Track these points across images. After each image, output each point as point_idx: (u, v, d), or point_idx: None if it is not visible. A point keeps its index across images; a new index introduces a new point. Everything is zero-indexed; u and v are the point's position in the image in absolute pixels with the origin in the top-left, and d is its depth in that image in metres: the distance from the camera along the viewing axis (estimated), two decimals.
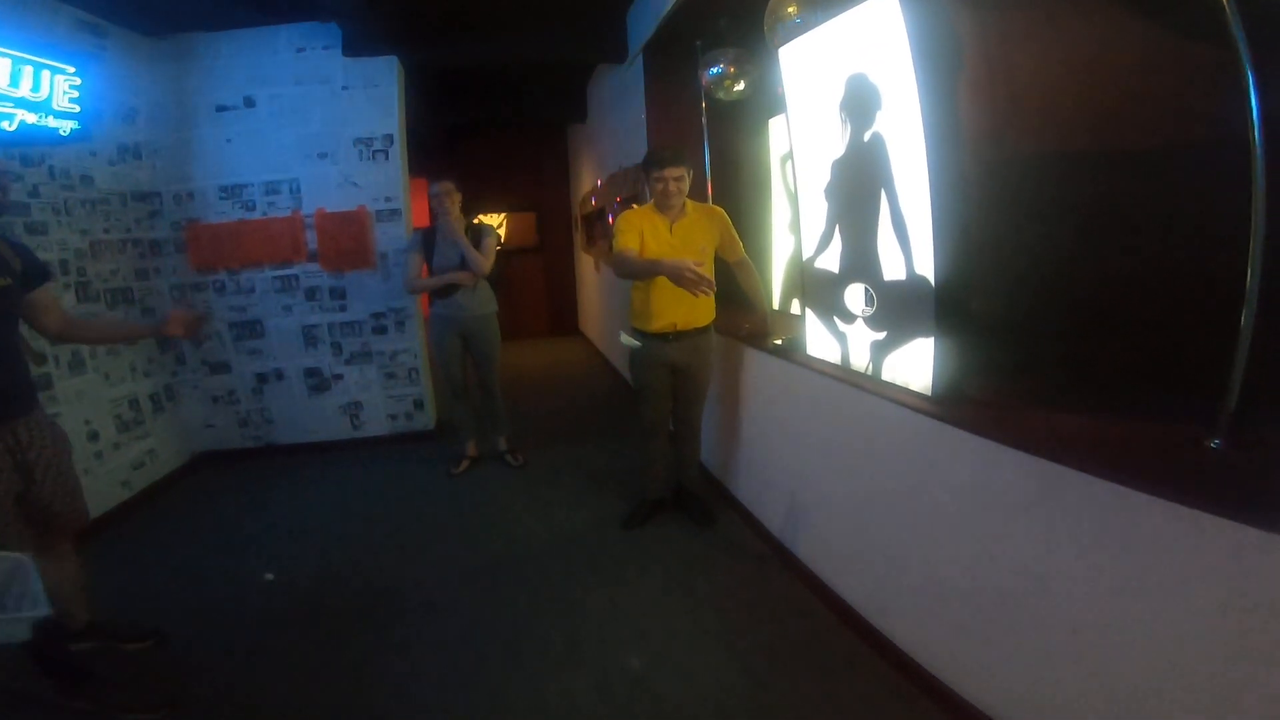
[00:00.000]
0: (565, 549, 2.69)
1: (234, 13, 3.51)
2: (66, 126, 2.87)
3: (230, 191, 3.79)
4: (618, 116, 4.86)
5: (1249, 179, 1.04)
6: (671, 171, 2.35)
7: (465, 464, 3.62)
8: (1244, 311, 1.07)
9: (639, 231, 2.43)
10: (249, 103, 3.77)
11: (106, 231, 3.32)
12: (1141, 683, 1.18)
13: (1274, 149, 1.04)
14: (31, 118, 2.71)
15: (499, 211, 7.75)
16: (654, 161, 2.38)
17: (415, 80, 4.28)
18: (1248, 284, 1.07)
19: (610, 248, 2.52)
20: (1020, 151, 1.61)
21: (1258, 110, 1.04)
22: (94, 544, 2.70)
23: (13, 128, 2.63)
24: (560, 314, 8.21)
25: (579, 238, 7.52)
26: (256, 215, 3.82)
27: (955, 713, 1.62)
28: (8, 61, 2.59)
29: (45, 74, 2.76)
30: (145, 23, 3.48)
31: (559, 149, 7.93)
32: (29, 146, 2.83)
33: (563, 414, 4.76)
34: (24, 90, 2.67)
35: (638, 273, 2.37)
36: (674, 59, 3.49)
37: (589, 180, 6.63)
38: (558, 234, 8.01)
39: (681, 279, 2.15)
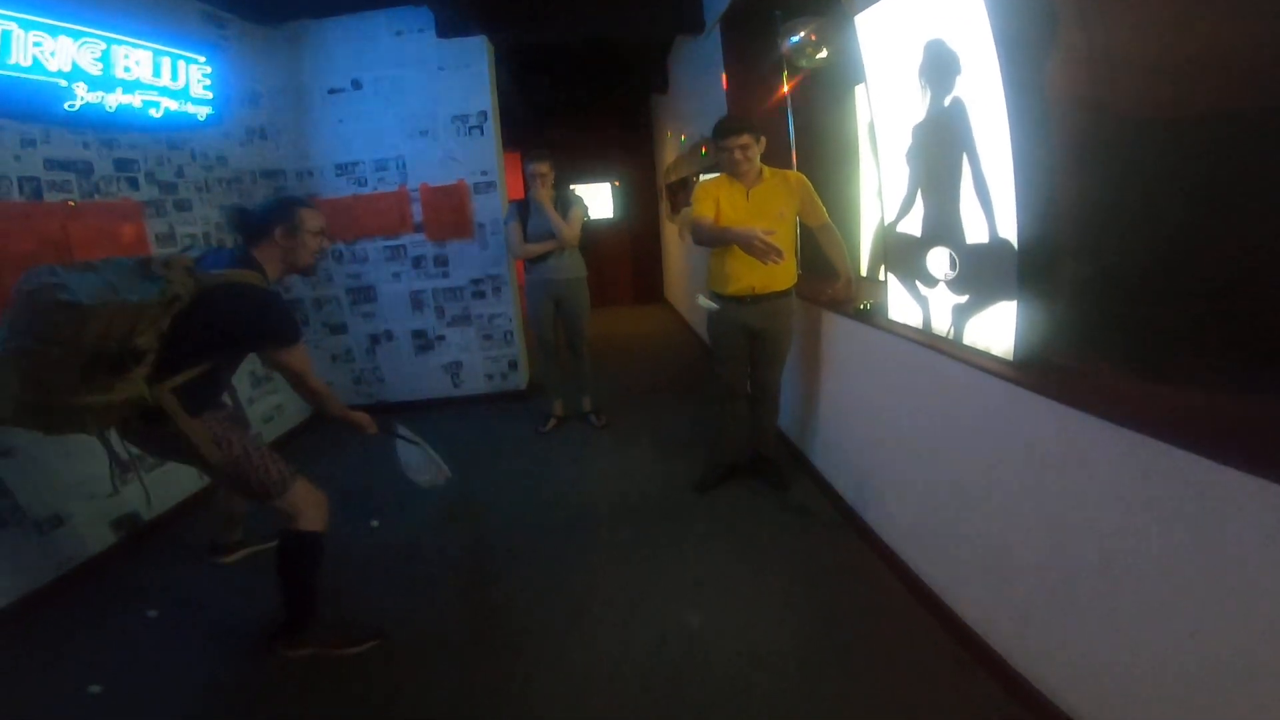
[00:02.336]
0: (639, 507, 2.82)
1: (337, 0, 3.78)
2: (203, 112, 3.20)
3: (344, 169, 4.13)
4: (698, 86, 4.86)
5: None
6: (735, 140, 2.38)
7: (552, 423, 3.84)
8: None
9: (714, 199, 2.48)
10: (356, 85, 4.07)
11: None
12: (1215, 675, 1.15)
13: None
14: (174, 105, 3.03)
15: (590, 181, 7.89)
16: (718, 132, 2.42)
17: (505, 59, 4.48)
18: None
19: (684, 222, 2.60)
20: (1118, 117, 1.55)
21: None
22: None
23: (159, 114, 2.96)
24: (645, 283, 8.35)
25: (664, 206, 7.59)
26: (368, 190, 4.15)
27: (1010, 685, 1.63)
28: (149, 54, 2.85)
29: (181, 64, 3.05)
30: (259, 12, 3.78)
31: (643, 119, 7.98)
32: (174, 131, 3.18)
33: (645, 379, 4.91)
34: (165, 80, 2.96)
35: (711, 240, 2.44)
36: (752, 28, 3.46)
37: (672, 150, 6.66)
38: (644, 203, 8.11)
39: (751, 248, 2.21)
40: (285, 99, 4.05)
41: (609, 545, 2.54)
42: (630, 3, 4.18)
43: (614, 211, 8.11)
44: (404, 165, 4.14)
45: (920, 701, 1.67)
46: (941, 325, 1.90)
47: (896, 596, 2.10)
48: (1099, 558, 1.38)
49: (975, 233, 1.69)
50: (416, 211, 4.19)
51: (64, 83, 2.48)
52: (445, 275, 4.29)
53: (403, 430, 2.32)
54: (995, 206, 1.60)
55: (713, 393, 2.84)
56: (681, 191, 5.90)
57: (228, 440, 1.84)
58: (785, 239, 2.45)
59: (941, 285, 1.86)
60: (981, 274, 1.70)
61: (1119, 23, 1.47)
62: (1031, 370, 1.56)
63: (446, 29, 4.02)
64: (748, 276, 2.48)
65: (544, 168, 3.38)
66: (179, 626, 2.20)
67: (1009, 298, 1.60)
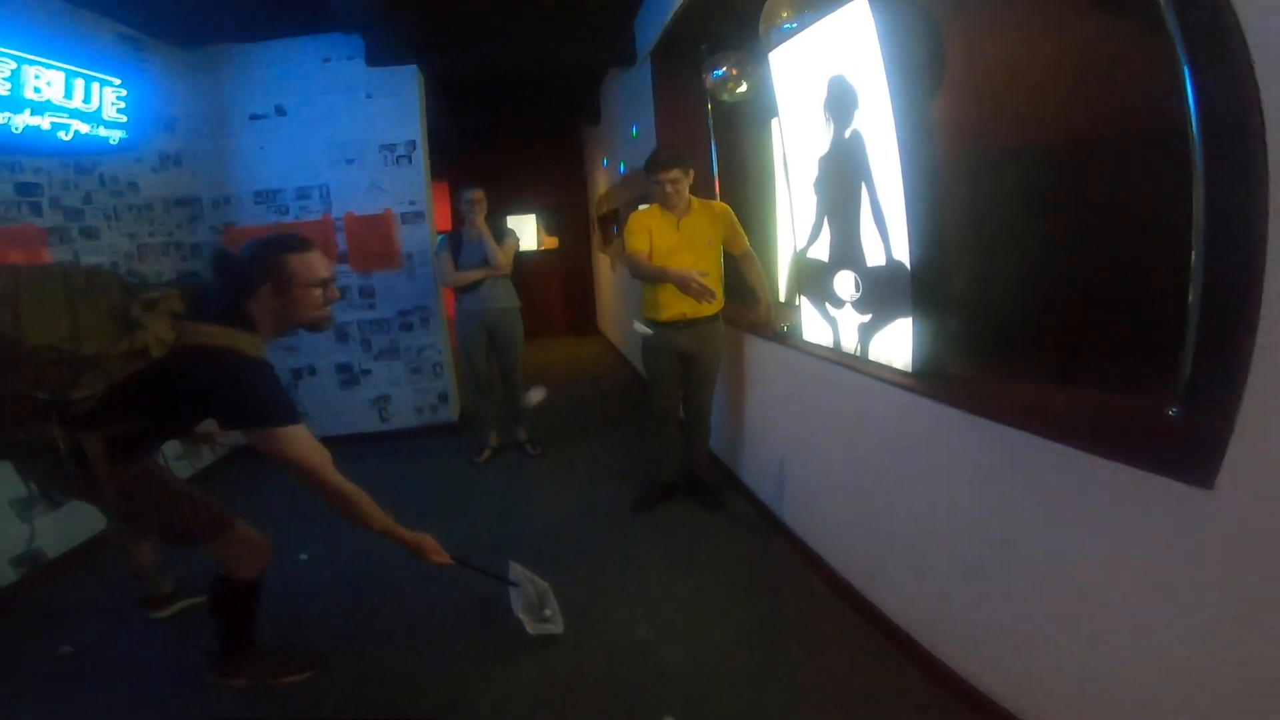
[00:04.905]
0: (579, 530, 2.84)
1: (262, 25, 3.72)
2: (115, 136, 3.08)
3: (264, 196, 4.03)
4: (628, 118, 5.02)
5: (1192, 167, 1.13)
6: (667, 174, 2.49)
7: (487, 453, 3.79)
8: (1190, 291, 1.15)
9: (646, 231, 2.58)
10: (280, 111, 4.00)
11: (151, 235, 3.54)
12: (1114, 647, 1.26)
13: (1210, 138, 1.12)
14: (85, 128, 2.91)
15: (521, 213, 7.93)
16: (650, 165, 2.53)
17: (434, 88, 4.48)
18: (1191, 266, 1.15)
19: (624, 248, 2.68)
20: (996, 144, 1.72)
21: (1194, 101, 1.12)
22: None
23: (69, 137, 2.84)
24: (579, 313, 8.39)
25: (596, 238, 7.69)
26: (289, 219, 4.05)
27: (941, 681, 1.71)
28: (62, 75, 2.76)
29: (95, 86, 2.95)
30: (180, 35, 3.69)
31: (574, 151, 8.12)
32: (83, 155, 3.04)
33: (580, 408, 4.92)
34: (77, 102, 2.86)
35: (649, 277, 2.54)
36: (679, 62, 3.63)
37: (604, 181, 6.80)
38: (576, 235, 8.20)
39: (687, 289, 2.32)
40: (203, 124, 3.93)
41: (552, 569, 2.50)
42: (563, 35, 4.28)
43: (537, 242, 8.13)
44: (328, 193, 4.07)
45: (855, 694, 1.77)
46: (849, 343, 2.02)
47: (826, 599, 2.20)
48: (1001, 547, 1.50)
49: (874, 256, 1.83)
50: (341, 241, 4.11)
51: None
52: (371, 307, 4.21)
53: (509, 573, 2.13)
54: (890, 231, 1.74)
55: (649, 416, 2.91)
56: (613, 222, 6.02)
57: (150, 485, 1.69)
58: (712, 266, 2.58)
59: (848, 306, 1.99)
60: (881, 294, 1.83)
61: (997, 57, 1.64)
62: (926, 380, 1.69)
63: (376, 57, 4.02)
64: (678, 305, 2.57)
65: (479, 194, 3.43)
66: (97, 663, 2.09)
67: (905, 315, 1.73)
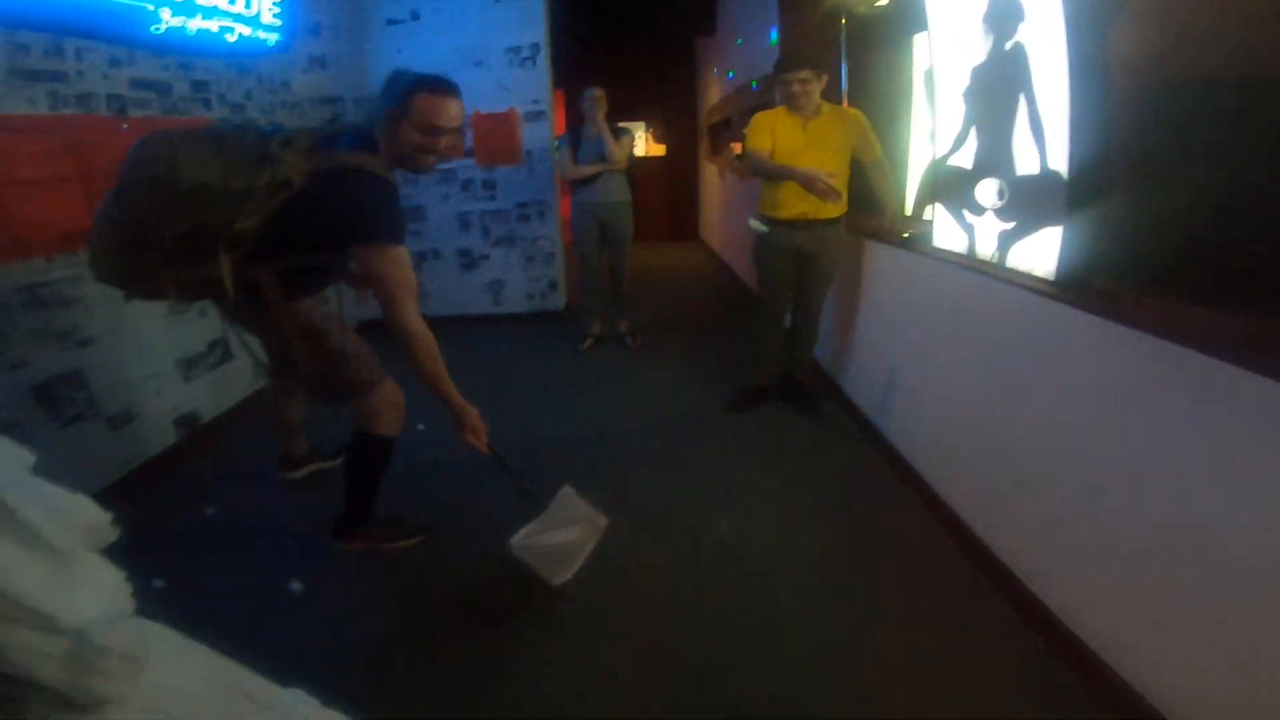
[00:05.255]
0: (671, 424, 2.97)
1: None
2: (272, 38, 3.32)
3: None
4: (747, 29, 4.87)
5: None
6: (797, 75, 2.46)
7: (590, 342, 4.03)
8: None
9: (770, 131, 2.58)
10: (415, 16, 4.19)
11: None
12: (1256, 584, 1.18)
13: None
14: (246, 31, 3.14)
15: (632, 121, 7.93)
16: (781, 65, 2.51)
17: None
18: None
19: (734, 157, 2.70)
20: (1177, 76, 1.65)
21: None
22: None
23: (234, 39, 3.08)
24: (683, 220, 8.55)
25: (703, 147, 7.63)
26: None
27: (1032, 615, 1.70)
28: None
29: None
30: None
31: (686, 61, 8.00)
32: (244, 56, 3.30)
33: (680, 309, 5.10)
34: (239, 7, 3.06)
35: (771, 174, 2.56)
36: None
37: (715, 92, 6.66)
38: (684, 143, 8.22)
39: (813, 187, 2.34)
40: (346, 29, 4.16)
41: (642, 456, 2.68)
42: None
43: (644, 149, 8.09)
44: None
45: (935, 618, 1.76)
46: (986, 251, 2.06)
47: (919, 516, 2.22)
48: (1135, 473, 1.45)
49: (1026, 165, 1.84)
50: (468, 137, 4.32)
51: (151, 7, 2.59)
52: (493, 199, 4.47)
53: (525, 482, 1.93)
54: (1048, 142, 1.75)
55: (754, 316, 2.97)
56: (724, 132, 5.96)
57: (322, 333, 1.78)
58: (839, 170, 2.58)
59: (989, 214, 2.01)
60: (1029, 202, 1.85)
61: None
62: (1072, 289, 1.71)
63: None
64: (800, 203, 2.60)
65: (600, 93, 3.56)
66: (236, 524, 2.28)
67: (1054, 223, 1.75)
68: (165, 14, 2.66)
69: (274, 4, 3.29)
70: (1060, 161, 1.71)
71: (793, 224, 2.66)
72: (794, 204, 2.62)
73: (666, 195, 8.37)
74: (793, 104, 2.55)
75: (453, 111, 1.69)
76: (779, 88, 2.55)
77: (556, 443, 2.85)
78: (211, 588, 1.94)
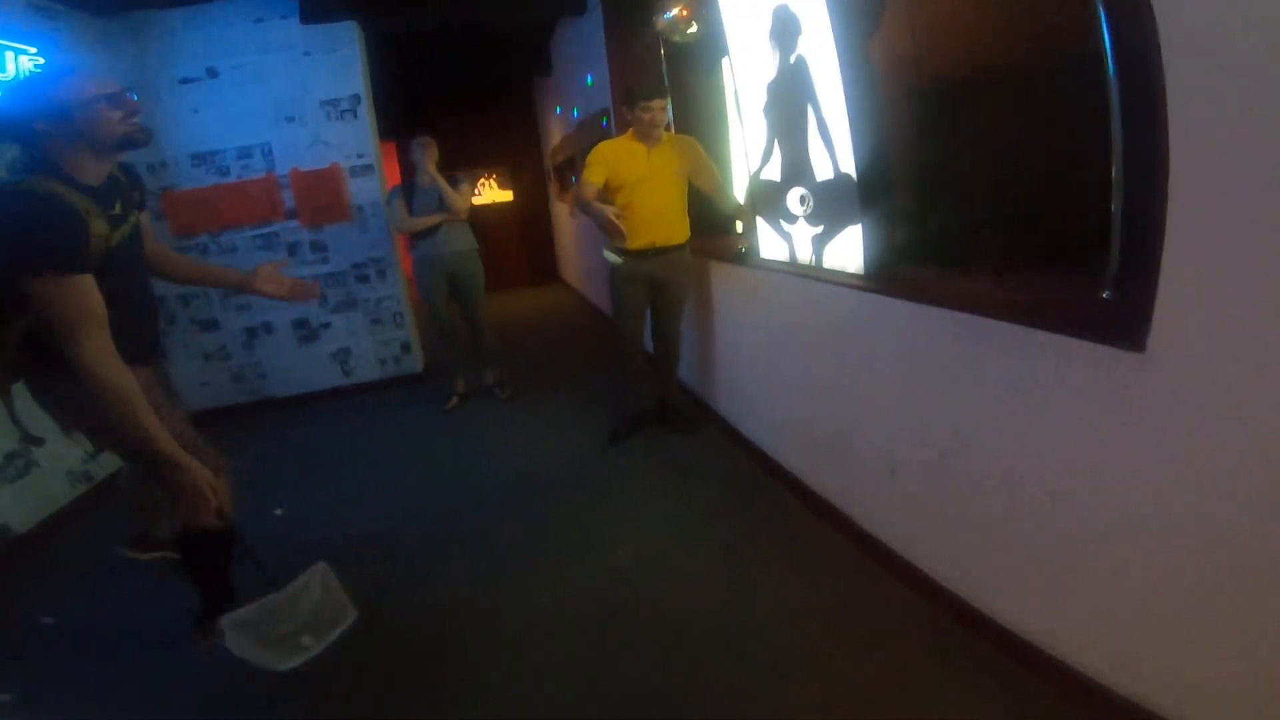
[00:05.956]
0: (555, 467, 2.91)
1: None
2: None
3: (202, 158, 3.90)
4: (581, 67, 4.97)
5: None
6: (658, 103, 2.52)
7: (455, 400, 3.83)
8: (1112, 195, 1.29)
9: (609, 163, 2.59)
10: (212, 73, 3.85)
11: None
12: (1068, 517, 1.35)
13: (1122, 60, 1.22)
14: None
15: (473, 168, 7.81)
16: (641, 94, 2.53)
17: (377, 46, 4.35)
18: (1113, 175, 1.28)
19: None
20: (935, 74, 1.82)
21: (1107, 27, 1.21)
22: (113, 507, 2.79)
23: None
24: (539, 263, 8.43)
25: (553, 187, 7.64)
26: (231, 179, 3.93)
27: (914, 583, 1.80)
28: None
29: (10, 55, 2.82)
30: (93, 4, 3.50)
31: (525, 103, 8.00)
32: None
33: (547, 351, 5.01)
34: None
35: (585, 212, 2.55)
36: (631, 6, 3.61)
37: (558, 131, 6.72)
38: (532, 186, 8.15)
39: (604, 225, 2.41)
40: (131, 90, 3.72)
41: (531, 502, 2.62)
42: None
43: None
44: (270, 152, 3.96)
45: (832, 602, 1.84)
46: (804, 255, 2.15)
47: (798, 511, 2.31)
48: (959, 436, 1.61)
49: (823, 171, 1.94)
50: (288, 198, 4.02)
51: None
52: (325, 260, 4.15)
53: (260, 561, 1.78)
54: (837, 147, 1.85)
55: (618, 347, 2.95)
56: (569, 170, 5.99)
57: (95, 424, 1.55)
58: (678, 197, 2.67)
59: (801, 220, 2.10)
60: (831, 206, 1.95)
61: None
62: (878, 279, 1.82)
63: (311, 14, 3.87)
64: (648, 233, 2.63)
65: (428, 140, 3.43)
66: (80, 632, 2.08)
67: (854, 223, 1.85)
68: None
69: (36, 67, 2.91)
70: (849, 165, 1.81)
71: (643, 253, 2.68)
72: (643, 233, 2.64)
73: (521, 239, 8.24)
74: (647, 133, 2.58)
75: (101, 77, 1.53)
76: (637, 115, 2.56)
77: (438, 503, 2.73)
78: (69, 695, 1.80)
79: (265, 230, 4.03)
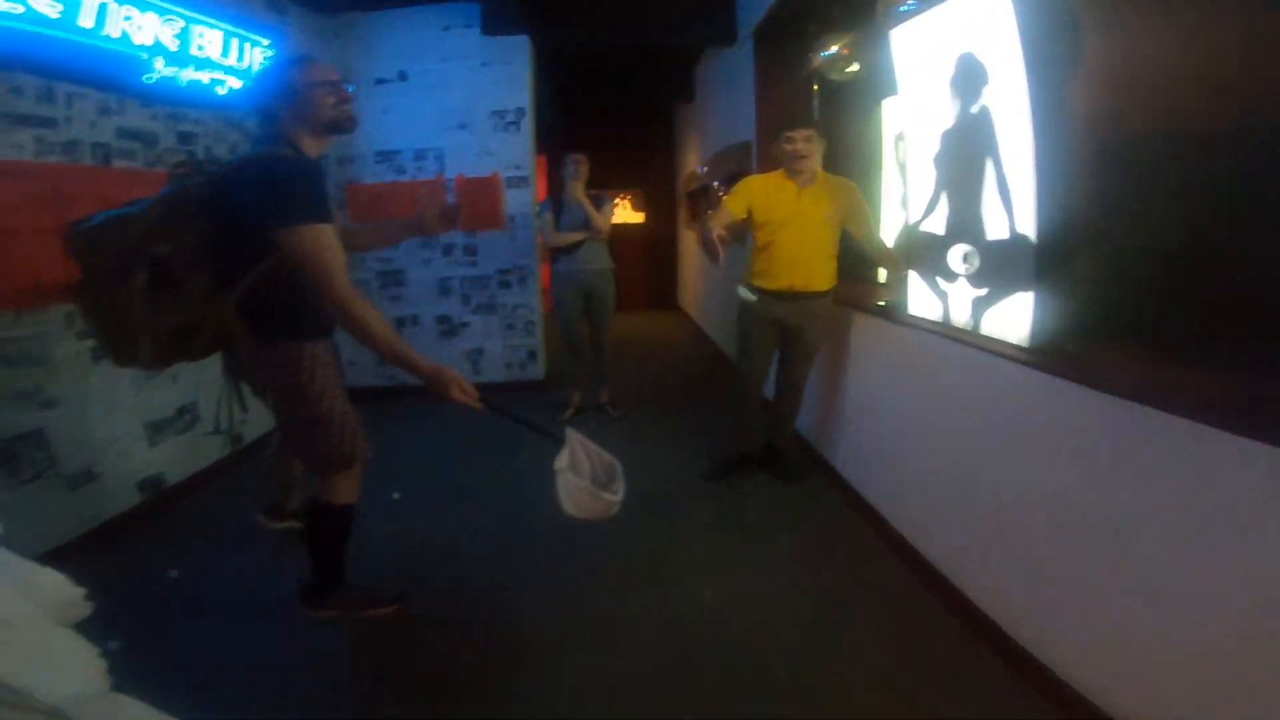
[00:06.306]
0: (652, 492, 2.86)
1: None
2: None
3: (385, 156, 4.31)
4: (725, 97, 5.04)
5: None
6: (800, 133, 2.47)
7: (569, 412, 3.94)
8: None
9: (753, 196, 2.57)
10: (402, 76, 4.26)
11: None
12: (1225, 639, 1.22)
13: None
14: (237, 84, 3.13)
15: (610, 188, 8.09)
16: (784, 124, 2.52)
17: (538, 61, 4.64)
18: None
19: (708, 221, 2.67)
20: (1137, 130, 1.68)
21: None
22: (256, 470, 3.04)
23: (224, 92, 3.08)
24: (661, 288, 8.55)
25: (683, 214, 7.76)
26: (406, 177, 4.32)
27: (1018, 665, 1.69)
28: (221, 34, 3.00)
29: (247, 46, 3.19)
30: (317, 1, 3.96)
31: (665, 128, 8.22)
32: (234, 109, 3.28)
33: (660, 378, 5.05)
34: (232, 59, 3.09)
35: (702, 233, 2.53)
36: (784, 41, 3.63)
37: (694, 158, 6.84)
38: (663, 210, 8.34)
39: (705, 243, 2.39)
40: None
41: (622, 525, 2.58)
42: (667, 11, 4.36)
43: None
44: (442, 156, 4.32)
45: (918, 671, 1.75)
46: (960, 317, 2.02)
47: (903, 577, 2.20)
48: (1110, 527, 1.46)
49: (996, 229, 1.82)
50: (451, 201, 4.32)
51: (145, 56, 2.62)
52: (474, 264, 4.45)
53: (530, 421, 1.82)
54: (1015, 205, 1.74)
55: (733, 384, 2.91)
56: (703, 199, 6.06)
57: (300, 388, 1.68)
58: (826, 241, 2.57)
59: (961, 280, 1.99)
60: (1000, 268, 1.83)
61: (1139, 41, 1.61)
62: (1046, 354, 1.68)
63: (491, 26, 4.21)
64: (789, 275, 2.56)
65: (583, 158, 3.61)
66: (200, 588, 2.22)
67: (1025, 289, 1.73)
68: (159, 63, 2.68)
69: (266, 58, 3.30)
70: (1028, 225, 1.70)
71: (780, 295, 2.60)
72: (783, 275, 2.57)
73: (645, 263, 8.41)
74: (791, 165, 2.52)
75: (326, 66, 1.73)
76: (780, 146, 2.53)
77: (537, 511, 2.67)
78: (173, 652, 1.86)
79: None
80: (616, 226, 7.27)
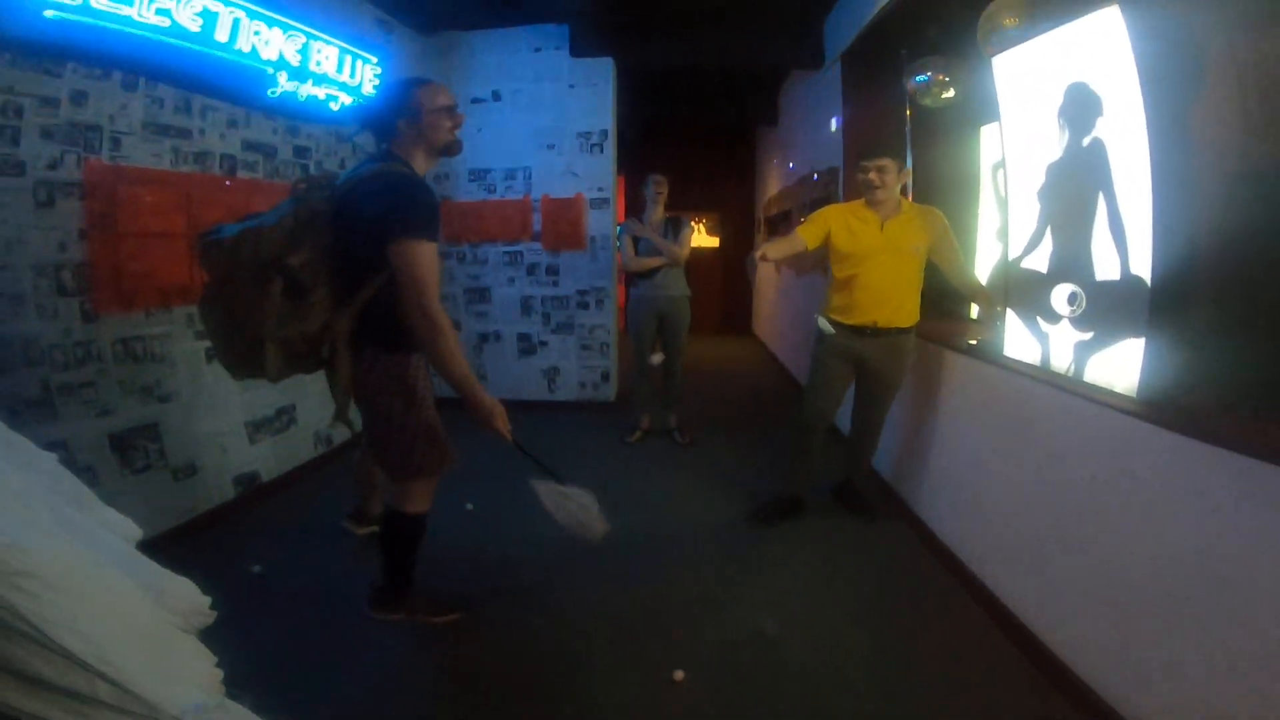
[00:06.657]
0: (725, 521, 2.85)
1: (486, 13, 4.14)
2: None
3: (477, 175, 4.50)
4: (810, 121, 4.98)
5: None
6: (874, 161, 2.37)
7: (638, 435, 3.95)
8: None
9: (829, 226, 2.48)
10: (496, 96, 4.42)
11: None
12: None
13: None
14: (348, 100, 3.26)
15: (688, 209, 8.12)
16: (861, 152, 2.45)
17: (620, 80, 4.68)
18: None
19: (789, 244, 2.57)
20: (1271, 163, 1.54)
21: None
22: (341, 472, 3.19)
23: (336, 107, 3.23)
24: (735, 314, 8.45)
25: (761, 239, 7.68)
26: (496, 197, 4.49)
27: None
28: (336, 50, 3.13)
29: (359, 63, 3.32)
30: (420, 21, 4.16)
31: (746, 151, 8.16)
32: (344, 125, 3.45)
33: (730, 405, 4.97)
34: (345, 76, 3.22)
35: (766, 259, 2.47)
36: (874, 66, 3.55)
37: (774, 183, 6.78)
38: (739, 234, 8.26)
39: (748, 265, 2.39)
40: None
41: (687, 554, 2.58)
42: (752, 33, 4.34)
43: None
44: (530, 176, 4.46)
45: None
46: (1061, 362, 1.90)
47: (979, 622, 2.10)
48: (1214, 584, 1.36)
49: (1106, 269, 1.71)
50: (536, 221, 4.48)
51: (271, 71, 2.79)
52: (555, 284, 4.56)
53: (544, 463, 2.04)
54: (1129, 244, 1.63)
55: (795, 420, 2.79)
56: (783, 225, 5.99)
57: (390, 396, 1.76)
58: (911, 275, 2.46)
59: (1065, 322, 1.87)
60: (1109, 311, 1.71)
61: (1276, 62, 1.48)
62: (1157, 407, 1.54)
63: (580, 48, 4.32)
64: (872, 311, 2.46)
65: (664, 180, 3.65)
66: (280, 585, 2.30)
67: (1137, 335, 1.60)
68: (282, 78, 2.85)
69: (375, 75, 3.46)
70: (1143, 266, 1.58)
71: (860, 330, 2.49)
72: (866, 310, 2.46)
73: (720, 288, 8.30)
74: (870, 195, 2.43)
75: (443, 89, 1.80)
76: (857, 175, 2.46)
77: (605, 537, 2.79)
78: (247, 646, 1.93)
79: (513, 248, 4.53)
80: (693, 251, 7.28)
